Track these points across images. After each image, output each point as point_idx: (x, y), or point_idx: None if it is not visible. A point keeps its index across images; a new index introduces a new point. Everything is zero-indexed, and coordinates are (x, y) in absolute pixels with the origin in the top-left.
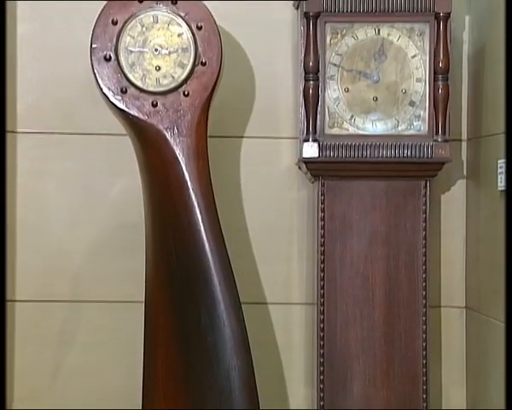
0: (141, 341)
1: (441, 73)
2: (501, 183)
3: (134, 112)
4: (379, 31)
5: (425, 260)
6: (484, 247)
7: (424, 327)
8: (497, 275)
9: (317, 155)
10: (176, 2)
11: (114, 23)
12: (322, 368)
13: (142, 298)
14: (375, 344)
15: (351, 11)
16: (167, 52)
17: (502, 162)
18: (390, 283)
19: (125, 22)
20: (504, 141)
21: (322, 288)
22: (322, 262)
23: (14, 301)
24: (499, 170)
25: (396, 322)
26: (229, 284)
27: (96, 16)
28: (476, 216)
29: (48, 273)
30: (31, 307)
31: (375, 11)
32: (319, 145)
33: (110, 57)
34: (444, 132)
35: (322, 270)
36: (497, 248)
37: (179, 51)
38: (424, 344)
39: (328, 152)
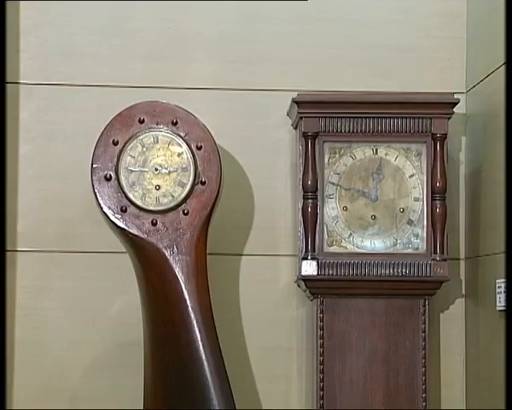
0: None
1: (438, 192)
2: (500, 302)
3: (134, 230)
4: (376, 150)
5: (425, 380)
6: (484, 366)
7: None
8: (497, 395)
9: (315, 273)
10: (176, 123)
11: (115, 143)
12: None
13: None
14: None
15: (348, 131)
16: (167, 171)
17: (500, 282)
18: (390, 402)
19: (126, 142)
20: (504, 261)
21: (322, 407)
22: (322, 381)
23: None
24: (498, 290)
25: None
26: (228, 404)
27: (98, 136)
28: (475, 335)
29: (46, 392)
30: None
31: (373, 131)
32: (318, 263)
33: (111, 177)
34: (442, 251)
35: (322, 388)
36: (497, 368)
37: (179, 171)
38: None
39: (326, 270)
